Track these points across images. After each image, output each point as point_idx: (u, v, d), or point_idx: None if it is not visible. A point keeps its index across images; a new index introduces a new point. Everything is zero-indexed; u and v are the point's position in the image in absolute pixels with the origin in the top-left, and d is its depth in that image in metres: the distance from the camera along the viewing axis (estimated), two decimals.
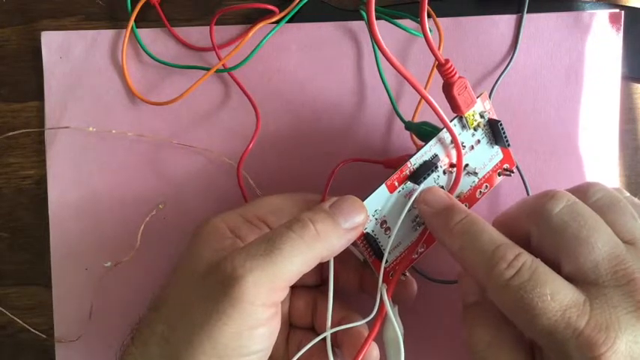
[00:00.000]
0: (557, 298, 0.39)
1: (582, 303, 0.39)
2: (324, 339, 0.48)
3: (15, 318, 0.59)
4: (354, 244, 0.47)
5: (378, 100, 0.58)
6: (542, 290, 0.39)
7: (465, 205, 0.51)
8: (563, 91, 0.59)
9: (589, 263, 0.40)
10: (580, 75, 0.59)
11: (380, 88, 0.56)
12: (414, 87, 0.44)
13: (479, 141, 0.50)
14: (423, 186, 0.48)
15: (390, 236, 0.48)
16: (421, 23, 0.42)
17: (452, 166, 0.49)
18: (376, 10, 0.42)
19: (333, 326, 0.48)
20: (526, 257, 0.41)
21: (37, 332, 0.59)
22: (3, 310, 0.60)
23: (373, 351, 0.48)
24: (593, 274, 0.40)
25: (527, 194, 0.57)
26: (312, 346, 0.47)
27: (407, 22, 0.57)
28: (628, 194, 0.48)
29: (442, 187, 0.49)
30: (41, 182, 0.59)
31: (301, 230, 0.42)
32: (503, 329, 0.43)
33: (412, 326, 0.50)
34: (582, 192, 0.45)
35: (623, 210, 0.44)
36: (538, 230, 0.44)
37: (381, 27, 0.41)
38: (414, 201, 0.48)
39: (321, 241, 0.43)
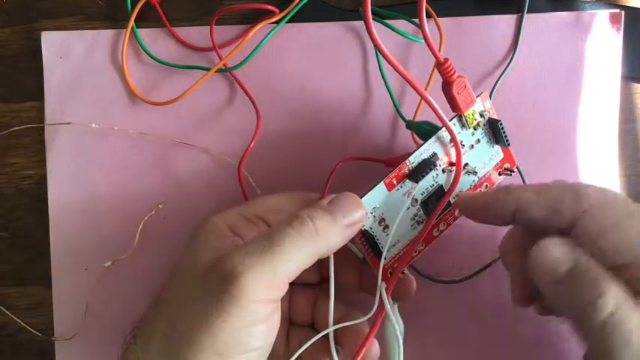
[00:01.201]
0: None
1: None
2: (325, 336, 0.48)
3: (15, 317, 0.59)
4: (352, 241, 0.47)
5: (380, 100, 0.58)
6: None
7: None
8: (563, 91, 0.59)
9: None
10: (580, 75, 0.59)
11: (382, 88, 0.56)
12: (412, 86, 0.44)
13: (479, 140, 0.50)
14: (421, 184, 0.48)
15: (388, 234, 0.48)
16: (420, 22, 0.42)
17: (451, 164, 0.49)
18: (373, 12, 0.42)
19: (333, 324, 0.48)
20: None
21: (36, 332, 0.59)
22: (3, 309, 0.60)
23: (373, 348, 0.48)
24: None
25: None
26: (312, 344, 0.47)
27: (406, 26, 0.57)
28: None
29: (441, 185, 0.49)
30: (41, 182, 0.59)
31: (300, 227, 0.43)
32: (617, 284, 0.40)
33: (413, 325, 0.50)
34: None
35: None
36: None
37: (381, 29, 0.42)
38: (412, 198, 0.48)
39: (320, 237, 0.43)
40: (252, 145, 0.56)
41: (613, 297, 0.38)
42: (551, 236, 0.43)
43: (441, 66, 0.46)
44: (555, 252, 0.42)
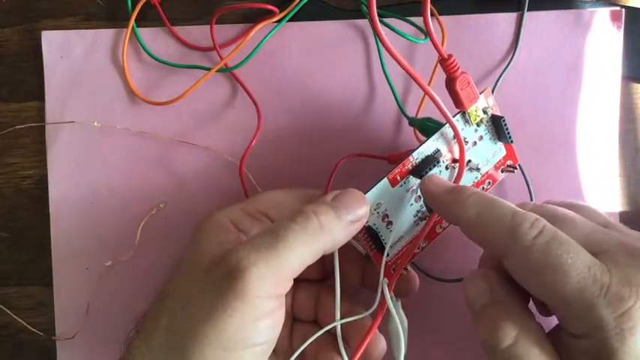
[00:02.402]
0: (581, 255, 0.39)
1: (599, 263, 0.39)
2: (329, 331, 0.48)
3: (16, 317, 0.59)
4: (356, 238, 0.47)
5: (383, 97, 0.58)
6: (568, 247, 0.39)
7: None
8: (564, 89, 0.59)
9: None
10: (580, 73, 0.59)
11: (384, 85, 0.56)
12: (415, 81, 0.44)
13: (482, 137, 0.50)
14: None
15: (391, 230, 0.48)
16: (424, 18, 0.42)
17: (454, 161, 0.49)
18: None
19: (336, 319, 0.48)
20: (543, 219, 0.41)
21: (38, 332, 0.59)
22: (4, 308, 0.59)
23: (379, 343, 0.48)
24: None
25: (530, 192, 0.57)
26: (316, 340, 0.47)
27: (406, 28, 0.57)
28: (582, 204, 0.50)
29: None
30: (41, 182, 0.59)
31: (304, 222, 0.43)
32: (526, 321, 0.42)
33: (414, 323, 0.49)
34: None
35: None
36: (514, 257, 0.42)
37: (381, 29, 0.42)
38: (416, 195, 0.48)
39: (324, 233, 0.43)
40: (253, 143, 0.56)
41: (511, 333, 0.41)
42: (477, 270, 0.47)
43: (445, 62, 0.46)
44: (473, 289, 0.45)
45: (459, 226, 0.45)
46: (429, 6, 0.42)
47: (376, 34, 0.42)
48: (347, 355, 0.48)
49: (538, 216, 0.42)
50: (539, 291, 0.41)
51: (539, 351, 0.40)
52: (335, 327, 0.48)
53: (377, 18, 0.41)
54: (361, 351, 0.46)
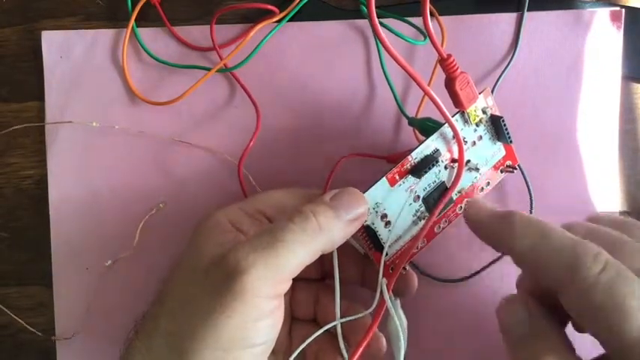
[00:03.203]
0: None
1: None
2: (328, 330, 0.48)
3: (16, 318, 0.59)
4: (354, 237, 0.47)
5: (383, 97, 0.58)
6: (631, 288, 0.37)
7: None
8: (564, 89, 0.59)
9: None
10: (580, 73, 0.59)
11: (384, 85, 0.56)
12: (415, 80, 0.44)
13: (481, 137, 0.50)
14: (423, 180, 0.48)
15: (390, 230, 0.48)
16: (423, 18, 0.42)
17: (453, 161, 0.49)
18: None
19: (337, 318, 0.48)
20: (605, 252, 0.39)
21: (37, 332, 0.59)
22: (4, 308, 0.59)
23: (379, 342, 0.48)
24: None
25: (529, 193, 0.57)
26: (315, 339, 0.47)
27: (405, 29, 0.57)
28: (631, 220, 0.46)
29: (443, 182, 0.49)
30: (41, 182, 0.59)
31: (303, 222, 0.43)
32: (569, 358, 0.40)
33: (413, 323, 0.49)
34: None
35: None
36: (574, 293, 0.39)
37: (381, 31, 0.42)
38: (414, 194, 0.48)
39: (323, 232, 0.43)
40: (251, 143, 0.56)
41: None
42: (514, 296, 0.45)
43: (444, 62, 0.46)
44: (511, 317, 0.43)
45: (509, 255, 0.44)
46: (428, 6, 0.42)
47: (376, 35, 0.42)
48: (347, 354, 0.48)
49: (600, 248, 0.39)
50: (597, 330, 0.38)
51: None
52: (335, 326, 0.48)
53: (377, 20, 0.41)
54: (361, 349, 0.46)
